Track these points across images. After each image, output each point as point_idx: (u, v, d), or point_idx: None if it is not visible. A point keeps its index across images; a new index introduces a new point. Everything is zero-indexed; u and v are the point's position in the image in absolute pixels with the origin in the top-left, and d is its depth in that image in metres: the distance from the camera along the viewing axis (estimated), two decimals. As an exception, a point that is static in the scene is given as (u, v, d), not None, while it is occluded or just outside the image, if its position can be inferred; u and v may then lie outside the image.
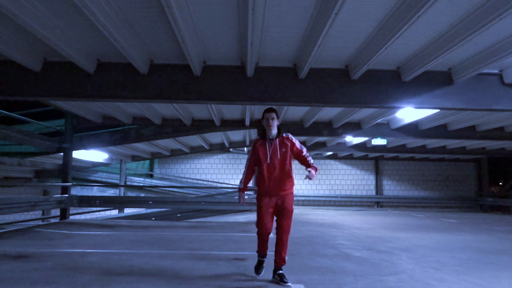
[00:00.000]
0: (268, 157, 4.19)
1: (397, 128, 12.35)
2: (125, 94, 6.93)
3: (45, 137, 11.24)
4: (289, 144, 4.23)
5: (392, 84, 7.11)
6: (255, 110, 10.60)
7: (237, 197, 11.68)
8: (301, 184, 21.72)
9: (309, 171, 4.21)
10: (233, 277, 4.35)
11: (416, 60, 6.46)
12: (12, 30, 5.51)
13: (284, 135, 4.29)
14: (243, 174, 4.40)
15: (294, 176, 4.35)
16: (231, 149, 20.00)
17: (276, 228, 4.23)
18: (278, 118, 4.26)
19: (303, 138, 16.15)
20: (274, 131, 4.23)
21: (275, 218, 4.31)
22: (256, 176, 4.36)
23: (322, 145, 17.41)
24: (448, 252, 6.34)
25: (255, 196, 4.45)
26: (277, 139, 4.24)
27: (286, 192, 4.22)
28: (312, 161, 4.30)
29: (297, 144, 4.30)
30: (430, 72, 6.99)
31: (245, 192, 4.42)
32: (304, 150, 4.33)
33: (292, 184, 4.29)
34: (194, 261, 5.20)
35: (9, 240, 7.03)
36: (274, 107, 4.30)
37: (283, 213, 4.20)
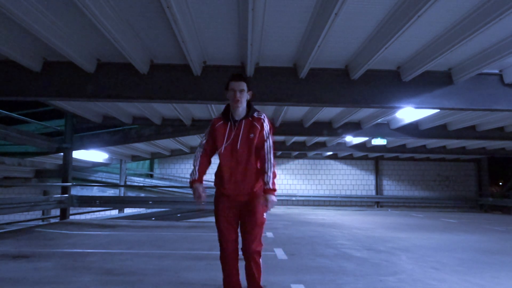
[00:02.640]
0: (224, 144, 3.00)
1: (397, 128, 12.36)
2: (125, 94, 6.94)
3: (45, 137, 11.24)
4: (259, 127, 3.01)
5: (392, 84, 7.11)
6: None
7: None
8: (301, 184, 21.72)
9: (266, 198, 2.89)
10: (233, 277, 4.34)
11: (416, 60, 6.46)
12: (12, 30, 5.52)
13: (255, 115, 3.06)
14: (194, 162, 3.11)
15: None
16: (231, 149, 19.98)
17: (242, 248, 3.09)
18: (249, 90, 3.06)
19: (303, 138, 16.16)
20: (241, 108, 3.02)
21: None
22: (215, 171, 3.15)
23: (322, 145, 17.42)
24: (448, 252, 6.34)
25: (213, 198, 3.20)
26: (244, 121, 3.03)
27: (255, 195, 3.05)
28: (271, 168, 2.96)
29: (266, 129, 3.04)
30: (430, 72, 6.99)
31: (202, 184, 3.07)
32: (268, 143, 3.01)
33: (259, 183, 3.09)
34: (194, 261, 5.19)
35: (9, 240, 7.03)
36: (244, 75, 3.18)
37: (247, 222, 3.03)
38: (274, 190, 2.95)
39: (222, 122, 3.09)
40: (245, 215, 3.06)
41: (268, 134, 3.05)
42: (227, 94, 3.03)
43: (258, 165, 3.03)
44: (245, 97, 3.02)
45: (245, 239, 3.04)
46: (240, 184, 3.01)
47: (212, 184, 3.18)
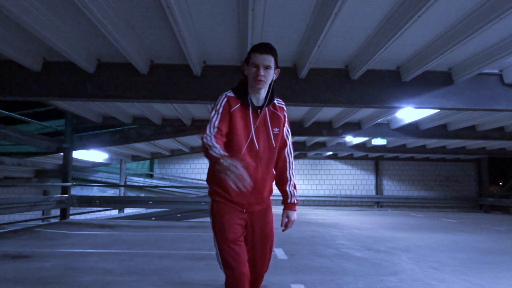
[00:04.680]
0: (253, 136, 2.23)
1: (397, 128, 12.35)
2: (125, 94, 6.94)
3: (45, 137, 11.24)
4: (282, 119, 2.33)
5: (392, 84, 7.11)
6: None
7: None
8: (301, 184, 21.71)
9: (288, 216, 2.33)
10: (233, 277, 4.34)
11: (416, 60, 6.46)
12: (12, 30, 5.52)
13: (276, 102, 2.33)
14: (208, 143, 2.05)
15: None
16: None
17: (249, 267, 2.30)
18: (277, 67, 2.26)
19: (303, 138, 16.16)
20: (264, 90, 2.26)
21: None
22: (211, 169, 2.28)
23: (322, 145, 17.42)
24: (448, 252, 6.34)
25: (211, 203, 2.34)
26: (267, 108, 2.29)
27: (265, 204, 2.34)
28: (293, 175, 2.39)
29: (287, 124, 2.40)
30: (430, 72, 6.99)
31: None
32: (289, 141, 2.40)
33: (272, 189, 2.38)
34: (194, 261, 5.19)
35: (9, 240, 7.03)
36: (272, 46, 2.25)
37: (259, 241, 2.31)
38: (296, 205, 2.33)
39: (240, 106, 2.23)
40: (256, 230, 2.31)
41: (288, 129, 2.40)
42: (245, 69, 2.24)
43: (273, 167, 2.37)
44: (271, 76, 2.21)
45: (256, 260, 2.32)
46: (258, 191, 2.23)
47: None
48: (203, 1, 4.81)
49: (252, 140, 2.23)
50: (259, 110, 2.26)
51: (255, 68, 2.18)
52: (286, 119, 2.37)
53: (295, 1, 4.78)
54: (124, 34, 5.46)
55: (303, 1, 4.78)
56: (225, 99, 2.23)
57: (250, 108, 2.24)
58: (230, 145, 2.21)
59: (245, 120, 2.23)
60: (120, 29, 5.28)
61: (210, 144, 2.05)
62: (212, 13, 5.11)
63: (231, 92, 2.27)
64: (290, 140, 2.40)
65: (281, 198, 2.40)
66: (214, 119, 2.18)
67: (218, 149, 2.02)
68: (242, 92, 2.26)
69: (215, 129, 2.15)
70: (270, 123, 2.28)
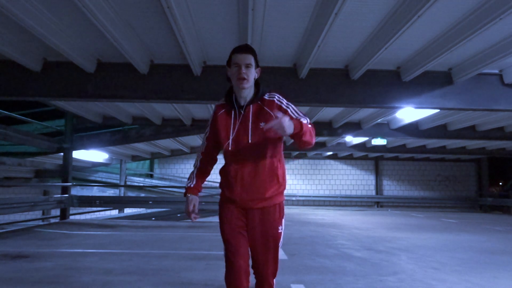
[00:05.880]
0: (231, 137, 2.31)
1: (397, 128, 12.36)
2: (125, 94, 6.94)
3: (45, 137, 11.24)
4: (272, 114, 2.27)
5: (392, 84, 7.11)
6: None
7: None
8: (301, 184, 21.71)
9: (282, 117, 2.05)
10: (233, 277, 4.34)
11: (416, 60, 6.46)
12: (12, 30, 5.52)
13: (266, 96, 2.35)
14: (195, 162, 2.52)
15: (286, 171, 2.44)
16: (231, 149, 19.96)
17: (253, 268, 2.35)
18: (258, 66, 2.35)
19: (303, 138, 16.14)
20: (248, 89, 2.31)
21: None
22: (220, 169, 2.46)
23: (322, 145, 17.42)
24: (448, 252, 6.34)
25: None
26: (252, 106, 2.32)
27: (268, 202, 2.32)
28: (304, 124, 2.18)
29: (291, 109, 2.32)
30: (430, 72, 6.99)
31: (197, 195, 2.45)
32: (305, 120, 2.27)
33: (280, 187, 2.35)
34: (194, 261, 5.20)
35: (9, 240, 7.03)
36: (250, 46, 2.37)
37: (259, 238, 2.31)
38: (299, 124, 2.12)
39: (224, 110, 2.37)
40: (255, 229, 2.32)
41: (300, 112, 2.33)
42: (228, 71, 2.33)
43: (274, 163, 2.34)
44: (252, 74, 2.29)
45: (258, 261, 2.32)
46: (249, 187, 2.30)
47: (218, 185, 2.53)
48: (203, 1, 4.81)
49: (235, 138, 2.31)
50: (242, 109, 2.33)
51: (237, 67, 2.27)
52: (288, 107, 2.32)
53: (295, 1, 4.78)
54: (124, 34, 5.46)
55: (303, 1, 4.78)
56: (214, 110, 2.44)
57: (235, 108, 2.35)
58: (219, 146, 2.44)
59: (227, 121, 2.35)
60: (120, 29, 5.29)
61: (194, 165, 2.51)
62: (212, 13, 5.11)
63: (221, 100, 2.45)
64: (305, 119, 2.28)
65: (288, 198, 2.35)
66: (205, 133, 2.48)
67: (191, 179, 2.46)
68: (228, 95, 2.39)
69: (204, 145, 2.48)
70: (256, 119, 2.30)
